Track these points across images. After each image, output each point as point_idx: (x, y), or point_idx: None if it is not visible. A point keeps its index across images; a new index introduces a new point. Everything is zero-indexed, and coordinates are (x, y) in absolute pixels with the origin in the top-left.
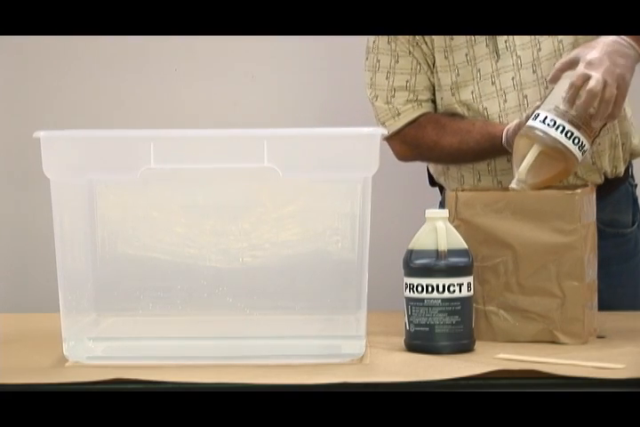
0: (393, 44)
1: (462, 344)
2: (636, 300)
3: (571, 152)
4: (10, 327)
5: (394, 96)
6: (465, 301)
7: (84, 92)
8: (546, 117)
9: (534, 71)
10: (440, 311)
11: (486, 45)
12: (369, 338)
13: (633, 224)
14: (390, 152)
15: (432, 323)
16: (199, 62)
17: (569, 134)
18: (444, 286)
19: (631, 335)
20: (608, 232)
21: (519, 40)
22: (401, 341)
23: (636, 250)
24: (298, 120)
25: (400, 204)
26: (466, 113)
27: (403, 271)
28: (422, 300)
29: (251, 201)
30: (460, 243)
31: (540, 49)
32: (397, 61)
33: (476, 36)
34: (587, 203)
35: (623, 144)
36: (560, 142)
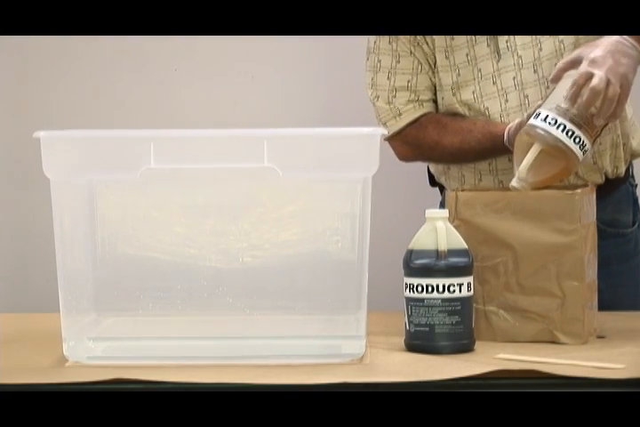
0: (394, 45)
1: (462, 344)
2: (636, 300)
3: (571, 151)
4: (10, 327)
5: (395, 96)
6: (465, 301)
7: (84, 92)
8: (547, 116)
9: (535, 71)
10: (440, 311)
11: (487, 45)
12: (369, 338)
13: (633, 224)
14: (390, 152)
15: (432, 323)
16: (199, 62)
17: (570, 133)
18: (444, 286)
19: (631, 335)
20: (609, 232)
21: (520, 40)
22: (401, 341)
23: (637, 250)
24: (298, 120)
25: (400, 204)
26: (467, 113)
27: (403, 271)
28: (422, 300)
29: (251, 201)
30: (460, 243)
31: (541, 49)
32: (399, 61)
33: (477, 36)
34: (587, 203)
35: (624, 144)
36: (561, 141)
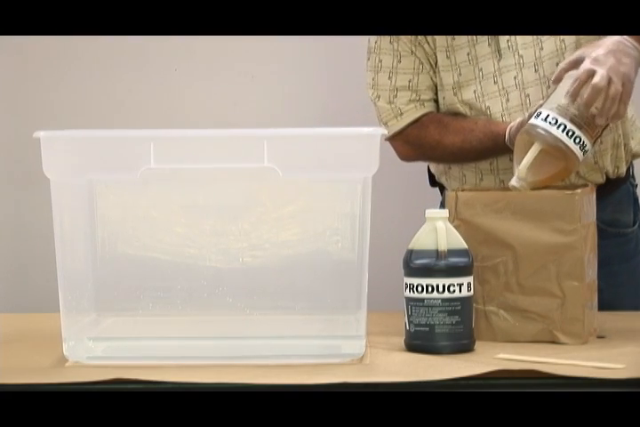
0: (395, 44)
1: (462, 344)
2: (636, 300)
3: (571, 151)
4: (10, 327)
5: (396, 96)
6: (465, 301)
7: (84, 92)
8: (548, 116)
9: (536, 70)
10: (440, 311)
11: (488, 45)
12: (369, 338)
13: (634, 224)
14: (390, 152)
15: (432, 323)
16: (199, 62)
17: (570, 133)
18: (444, 286)
19: (631, 335)
20: (609, 232)
21: (521, 39)
22: (401, 341)
23: (637, 250)
24: (298, 120)
25: (400, 204)
26: (468, 112)
27: (403, 271)
28: (422, 300)
29: (251, 201)
30: (460, 243)
31: (542, 48)
32: (400, 61)
33: (478, 36)
34: (587, 203)
35: (625, 144)
36: (561, 141)
